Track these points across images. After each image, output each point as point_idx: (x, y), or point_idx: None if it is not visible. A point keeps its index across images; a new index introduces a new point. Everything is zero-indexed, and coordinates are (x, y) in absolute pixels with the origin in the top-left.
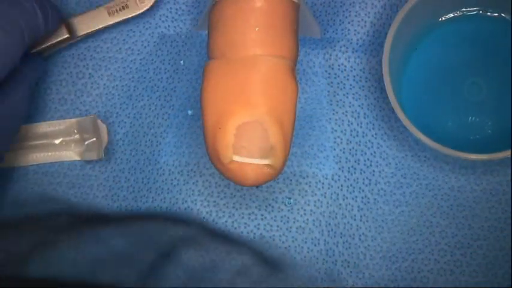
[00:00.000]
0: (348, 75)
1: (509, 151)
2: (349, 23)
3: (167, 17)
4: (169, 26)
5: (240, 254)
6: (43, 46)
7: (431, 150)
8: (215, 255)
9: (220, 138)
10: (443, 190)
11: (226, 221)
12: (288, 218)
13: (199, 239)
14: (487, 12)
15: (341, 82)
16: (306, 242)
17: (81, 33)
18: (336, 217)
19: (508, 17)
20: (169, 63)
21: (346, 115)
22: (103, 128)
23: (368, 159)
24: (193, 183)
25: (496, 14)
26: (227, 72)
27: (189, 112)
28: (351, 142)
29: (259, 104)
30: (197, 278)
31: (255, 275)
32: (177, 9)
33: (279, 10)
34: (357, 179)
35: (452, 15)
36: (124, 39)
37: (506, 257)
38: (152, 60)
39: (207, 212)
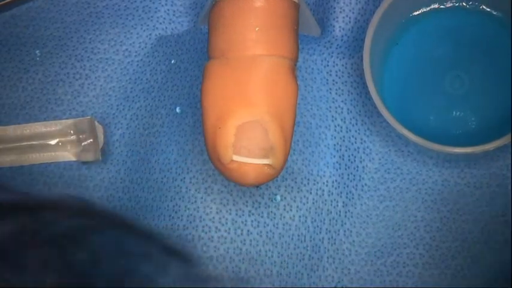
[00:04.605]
0: (331, 71)
1: (493, 143)
2: (334, 19)
3: (165, 18)
4: (166, 27)
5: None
6: None
7: (415, 144)
8: None
9: (220, 138)
10: (427, 184)
11: (213, 217)
12: (275, 214)
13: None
14: (467, 5)
15: (324, 78)
16: (292, 239)
17: None
18: (321, 213)
19: (488, 10)
20: (164, 64)
21: (330, 110)
22: (100, 129)
23: (352, 154)
24: (181, 180)
25: (477, 7)
26: (227, 72)
27: (177, 110)
28: (335, 138)
29: (259, 104)
30: None
31: None
32: (174, 11)
33: (279, 10)
34: (342, 174)
35: (432, 8)
36: (121, 41)
37: (491, 250)
38: (149, 61)
39: (194, 209)
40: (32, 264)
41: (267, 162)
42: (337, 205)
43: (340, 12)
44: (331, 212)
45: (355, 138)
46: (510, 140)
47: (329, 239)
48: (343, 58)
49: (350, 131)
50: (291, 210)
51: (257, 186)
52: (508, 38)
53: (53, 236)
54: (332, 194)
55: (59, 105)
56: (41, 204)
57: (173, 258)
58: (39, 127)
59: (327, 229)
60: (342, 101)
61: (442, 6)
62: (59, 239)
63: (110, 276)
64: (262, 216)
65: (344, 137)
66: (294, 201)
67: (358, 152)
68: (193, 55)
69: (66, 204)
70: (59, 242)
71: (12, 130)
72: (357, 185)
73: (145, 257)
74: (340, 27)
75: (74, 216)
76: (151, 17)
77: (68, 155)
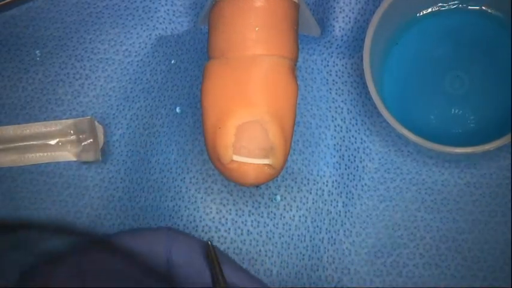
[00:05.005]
0: (331, 71)
1: (493, 143)
2: (334, 19)
3: (164, 18)
4: (166, 27)
5: None
6: None
7: (415, 144)
8: None
9: (220, 138)
10: (427, 184)
11: (213, 217)
12: (275, 214)
13: None
14: (468, 5)
15: (324, 78)
16: (292, 239)
17: None
18: (321, 213)
19: (489, 10)
20: (164, 64)
21: (330, 111)
22: (100, 129)
23: (352, 154)
24: (181, 180)
25: (477, 7)
26: (227, 71)
27: (177, 110)
28: (335, 138)
29: (259, 104)
30: None
31: None
32: (174, 11)
33: (279, 10)
34: (342, 174)
35: (432, 9)
36: (122, 41)
37: (491, 250)
38: (149, 62)
39: (194, 209)
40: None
41: (267, 162)
42: (337, 205)
43: (340, 12)
44: (331, 212)
45: (355, 138)
46: (510, 140)
47: (329, 239)
48: (343, 58)
49: (350, 131)
50: (291, 210)
51: (257, 186)
52: (508, 38)
53: (36, 254)
54: (332, 194)
55: (59, 105)
56: (25, 223)
57: (153, 278)
58: (39, 127)
59: (327, 229)
60: (342, 101)
61: (442, 7)
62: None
63: None
64: (262, 216)
65: (344, 137)
66: (294, 201)
67: (358, 152)
68: (193, 55)
69: (49, 224)
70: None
71: (12, 130)
72: (356, 185)
73: (125, 276)
74: (340, 27)
75: (57, 235)
76: (151, 17)
77: (68, 155)
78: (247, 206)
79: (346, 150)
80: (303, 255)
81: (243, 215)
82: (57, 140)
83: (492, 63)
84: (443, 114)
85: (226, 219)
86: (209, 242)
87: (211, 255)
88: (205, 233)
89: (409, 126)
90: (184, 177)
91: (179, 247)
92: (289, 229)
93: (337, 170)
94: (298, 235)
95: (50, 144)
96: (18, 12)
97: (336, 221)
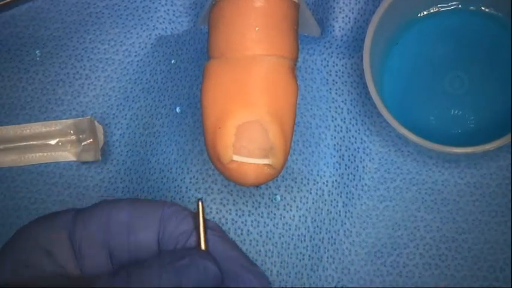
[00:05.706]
0: (331, 71)
1: (493, 143)
2: (333, 19)
3: (164, 18)
4: (166, 27)
5: None
6: None
7: (414, 144)
8: None
9: (220, 137)
10: (427, 184)
11: (213, 218)
12: (275, 214)
13: None
14: (468, 5)
15: (324, 78)
16: (292, 239)
17: None
18: (321, 213)
19: (488, 10)
20: (164, 64)
21: (330, 111)
22: (100, 129)
23: (352, 154)
24: (181, 180)
25: (477, 7)
26: (227, 71)
27: (177, 110)
28: (334, 138)
29: (259, 104)
30: None
31: None
32: (174, 11)
33: (279, 10)
34: (342, 174)
35: (432, 9)
36: (121, 41)
37: (491, 250)
38: (149, 61)
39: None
40: None
41: (267, 162)
42: (337, 205)
43: (340, 12)
44: (331, 212)
45: (355, 138)
46: (510, 140)
47: (329, 239)
48: (343, 58)
49: (350, 131)
50: (291, 210)
51: (257, 186)
52: (508, 39)
53: None
54: (332, 194)
55: (59, 105)
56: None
57: None
58: (39, 127)
59: (327, 229)
60: (342, 101)
61: (442, 7)
62: None
63: None
64: (262, 216)
65: (344, 137)
66: (294, 201)
67: (358, 152)
68: (193, 55)
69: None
70: None
71: (12, 130)
72: (357, 185)
73: None
74: (340, 27)
75: None
76: (151, 17)
77: (68, 155)
78: (247, 206)
79: (346, 150)
80: (303, 255)
81: (243, 215)
82: (57, 140)
83: (492, 63)
84: (443, 114)
85: (226, 219)
86: (199, 201)
87: (197, 213)
88: None
89: (409, 126)
90: (184, 177)
91: (171, 210)
92: (289, 229)
93: (337, 170)
94: (298, 235)
95: (50, 144)
96: (18, 12)
97: (336, 221)
